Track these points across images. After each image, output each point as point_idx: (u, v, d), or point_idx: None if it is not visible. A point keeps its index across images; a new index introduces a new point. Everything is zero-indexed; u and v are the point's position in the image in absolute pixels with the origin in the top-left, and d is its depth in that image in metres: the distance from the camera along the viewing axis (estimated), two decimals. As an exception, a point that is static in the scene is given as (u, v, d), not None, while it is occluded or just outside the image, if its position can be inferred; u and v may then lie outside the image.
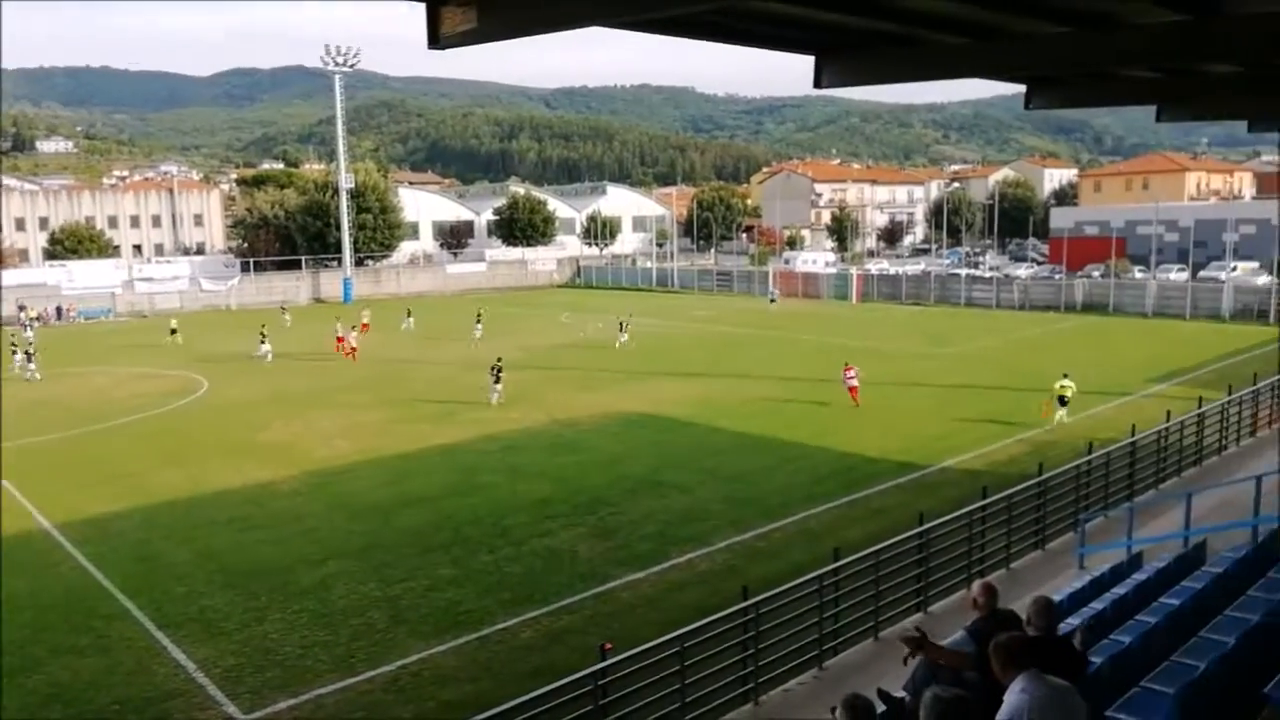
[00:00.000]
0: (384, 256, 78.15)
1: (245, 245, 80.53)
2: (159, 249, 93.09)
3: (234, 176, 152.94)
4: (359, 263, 73.78)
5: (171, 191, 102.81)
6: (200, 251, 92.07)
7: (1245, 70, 8.76)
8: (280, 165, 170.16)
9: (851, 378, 28.47)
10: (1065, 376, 25.83)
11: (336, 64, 70.31)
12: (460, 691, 12.16)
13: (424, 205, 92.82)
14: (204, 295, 66.90)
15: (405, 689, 12.36)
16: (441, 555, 16.99)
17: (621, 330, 41.84)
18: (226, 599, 15.29)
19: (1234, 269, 57.08)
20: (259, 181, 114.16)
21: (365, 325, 45.30)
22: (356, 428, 27.34)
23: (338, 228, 71.72)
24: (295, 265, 72.96)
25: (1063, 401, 25.35)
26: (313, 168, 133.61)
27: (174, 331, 46.88)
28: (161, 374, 37.45)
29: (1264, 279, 52.89)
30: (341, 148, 72.06)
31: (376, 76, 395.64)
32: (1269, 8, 6.05)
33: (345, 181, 71.60)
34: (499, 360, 30.72)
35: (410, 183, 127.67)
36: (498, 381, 29.67)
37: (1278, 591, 7.32)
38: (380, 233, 76.32)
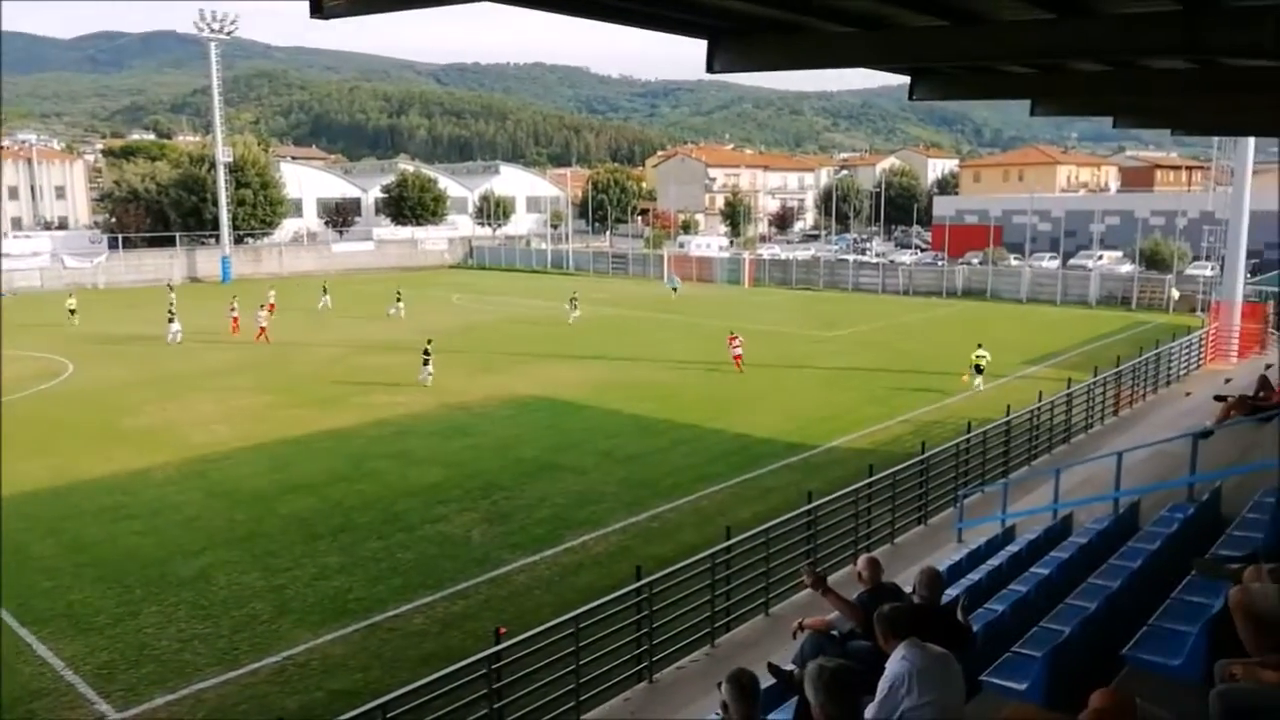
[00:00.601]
0: (265, 234, 75.08)
1: (113, 220, 75.87)
2: (16, 223, 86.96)
3: (100, 147, 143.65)
4: (238, 240, 70.65)
5: (30, 161, 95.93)
6: (63, 226, 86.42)
7: (1110, 69, 9.24)
8: (151, 136, 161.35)
9: (736, 346, 31.07)
10: (980, 347, 28.05)
11: (212, 30, 66.81)
12: (350, 680, 11.90)
13: (307, 181, 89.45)
14: (68, 273, 62.86)
15: (291, 680, 12.01)
16: (329, 543, 16.54)
17: (573, 307, 43.92)
18: (97, 593, 14.51)
19: (1100, 258, 60.49)
20: (128, 152, 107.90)
21: (272, 305, 43.57)
22: (237, 412, 26.30)
23: (215, 203, 68.47)
24: (169, 242, 69.33)
25: (979, 370, 27.52)
26: (187, 139, 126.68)
27: (72, 312, 44.05)
28: (21, 355, 35.09)
29: (1127, 267, 56.27)
30: (218, 119, 68.62)
31: (256, 45, 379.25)
32: (1131, 9, 6.38)
33: (223, 155, 68.19)
34: (429, 342, 30.21)
35: (293, 157, 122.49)
36: (426, 363, 29.24)
37: (1136, 560, 7.81)
38: (261, 209, 73.20)
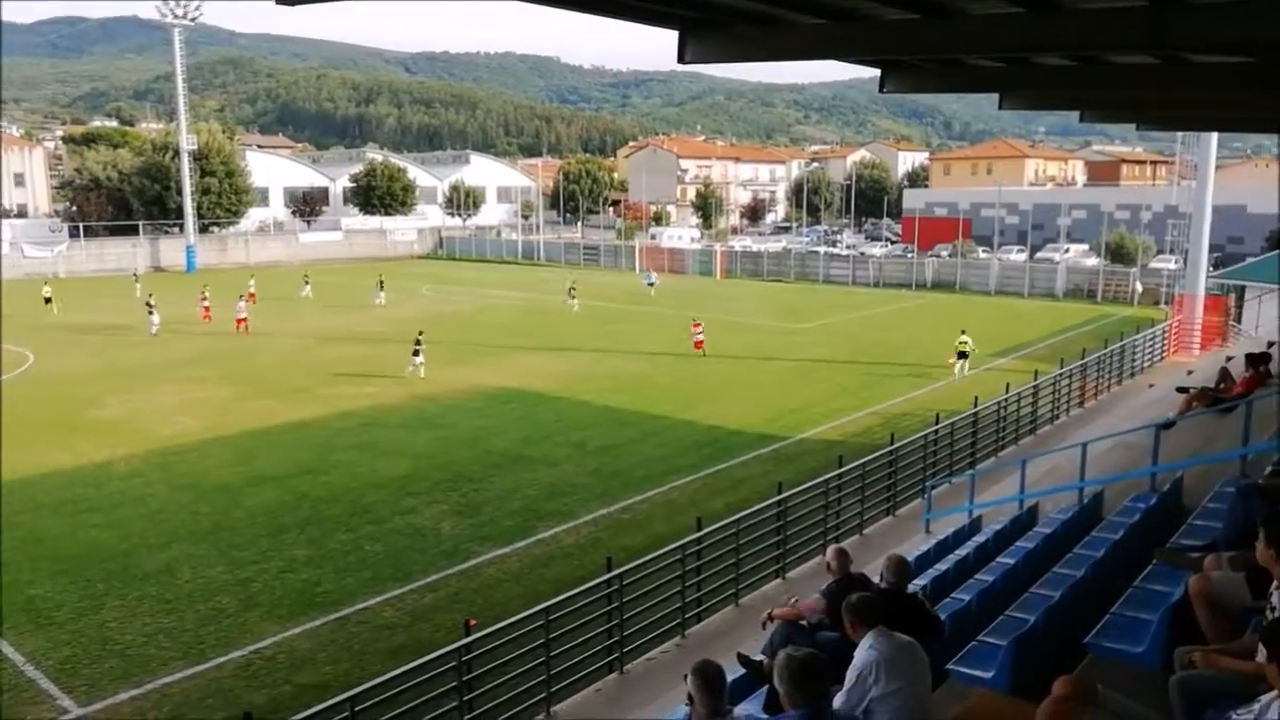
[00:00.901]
0: (230, 223, 74.06)
1: (74, 209, 74.56)
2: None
3: (60, 133, 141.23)
4: (203, 230, 69.68)
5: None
6: (22, 214, 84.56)
7: (1076, 63, 9.33)
8: (113, 123, 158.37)
9: (698, 332, 32.77)
10: (963, 333, 28.90)
11: (175, 16, 65.78)
12: (318, 673, 11.80)
13: (274, 170, 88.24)
14: (27, 262, 61.61)
15: (258, 674, 11.89)
16: (296, 535, 16.38)
17: (570, 296, 44.74)
18: (58, 587, 14.26)
19: (1067, 251, 61.22)
20: (89, 140, 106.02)
21: (252, 295, 42.97)
22: (201, 404, 25.95)
23: (179, 192, 67.48)
24: (131, 231, 68.21)
25: (963, 355, 28.43)
26: (150, 127, 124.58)
27: (48, 300, 43.00)
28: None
29: (1093, 261, 57.00)
30: (182, 106, 67.54)
31: (221, 31, 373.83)
32: (1097, 4, 6.44)
33: (187, 143, 67.25)
34: (421, 333, 29.92)
35: (259, 146, 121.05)
36: (417, 354, 28.97)
37: (1100, 549, 7.93)
38: (226, 198, 72.22)
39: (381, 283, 47.66)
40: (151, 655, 12.29)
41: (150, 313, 37.51)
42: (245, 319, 37.70)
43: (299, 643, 12.63)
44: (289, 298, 48.05)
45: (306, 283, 49.99)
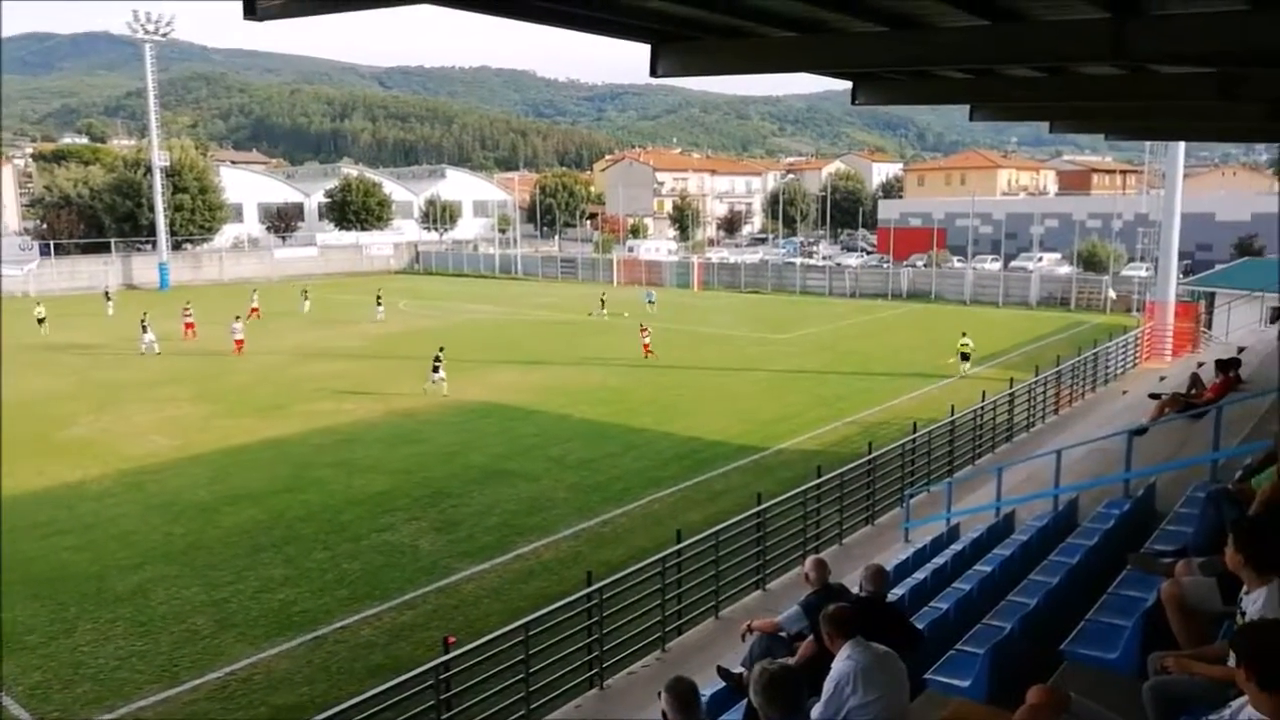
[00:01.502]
0: (204, 240, 73.45)
1: (44, 226, 73.66)
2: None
3: (30, 150, 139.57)
4: (176, 246, 69.03)
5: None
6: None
7: (1043, 74, 9.45)
8: (84, 140, 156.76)
9: (645, 336, 34.82)
10: (964, 335, 30.56)
11: (146, 32, 65.23)
12: (295, 695, 11.67)
13: (248, 186, 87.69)
14: (-3, 281, 60.82)
15: (234, 696, 11.74)
16: (272, 554, 16.21)
17: (602, 306, 47.18)
18: (29, 611, 14.03)
19: (1040, 259, 61.88)
20: (60, 157, 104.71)
21: (255, 310, 42.22)
22: (175, 422, 25.67)
23: (151, 209, 66.84)
24: (103, 249, 67.51)
25: (965, 357, 29.95)
26: (121, 144, 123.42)
27: (41, 321, 42.20)
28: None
29: (1066, 269, 57.65)
30: (154, 122, 67.00)
31: (193, 47, 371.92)
32: (1060, 16, 6.53)
33: (159, 159, 66.65)
34: (441, 350, 29.58)
35: (233, 162, 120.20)
36: (436, 370, 28.59)
37: (1075, 556, 7.98)
38: (199, 214, 71.60)
39: (379, 298, 47.54)
40: (125, 679, 12.11)
41: (144, 330, 36.87)
42: (242, 340, 36.70)
43: (276, 664, 12.48)
44: (271, 313, 47.55)
45: (305, 297, 49.96)
